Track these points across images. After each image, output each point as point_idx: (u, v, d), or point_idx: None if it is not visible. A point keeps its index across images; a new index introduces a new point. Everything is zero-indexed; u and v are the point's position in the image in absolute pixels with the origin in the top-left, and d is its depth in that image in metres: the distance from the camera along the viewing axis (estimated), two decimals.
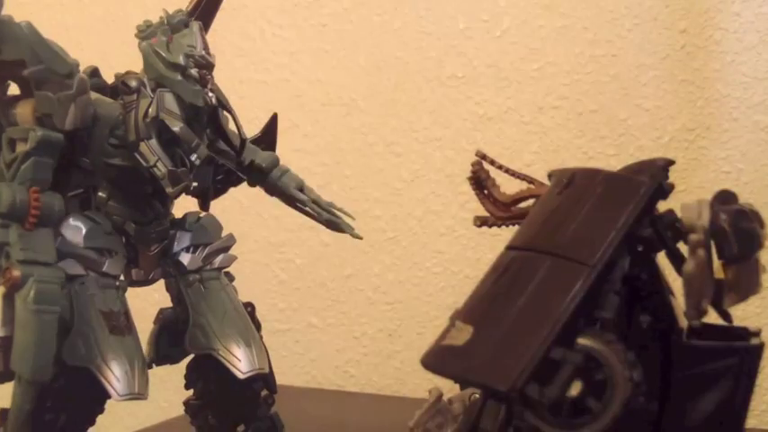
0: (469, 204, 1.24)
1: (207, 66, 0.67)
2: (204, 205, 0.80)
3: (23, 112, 0.63)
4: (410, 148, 1.27)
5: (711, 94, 1.11)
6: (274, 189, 0.78)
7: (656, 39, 1.13)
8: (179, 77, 0.66)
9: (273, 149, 0.82)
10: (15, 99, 0.65)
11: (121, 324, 0.66)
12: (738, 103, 1.10)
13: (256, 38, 1.35)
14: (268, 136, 0.83)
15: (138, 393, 0.65)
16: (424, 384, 1.31)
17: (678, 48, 1.12)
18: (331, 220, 0.79)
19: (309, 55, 1.33)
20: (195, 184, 0.71)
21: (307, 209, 0.79)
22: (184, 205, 0.78)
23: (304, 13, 1.32)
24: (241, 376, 0.71)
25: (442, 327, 1.19)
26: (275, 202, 0.82)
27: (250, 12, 1.36)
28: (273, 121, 0.83)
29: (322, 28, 1.32)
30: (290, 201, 0.79)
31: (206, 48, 0.68)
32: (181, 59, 0.66)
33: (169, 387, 1.18)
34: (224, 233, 0.78)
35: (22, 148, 0.62)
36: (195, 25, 0.68)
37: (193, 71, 0.66)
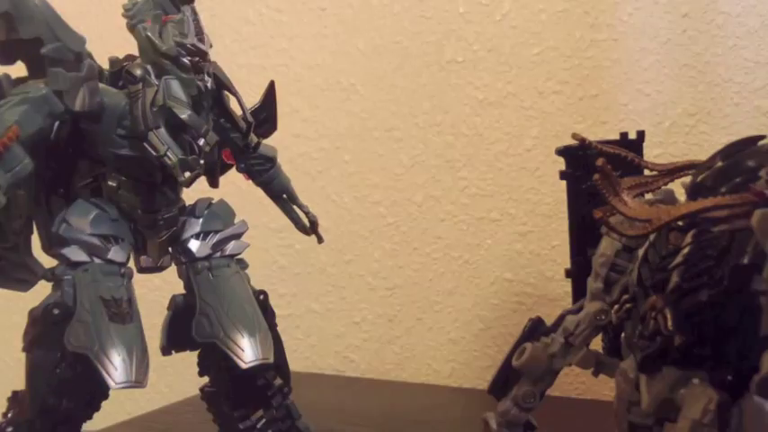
0: (469, 190, 1.24)
1: (199, 53, 0.66)
2: (213, 182, 0.80)
3: None
4: (410, 133, 1.27)
5: (713, 79, 1.10)
6: (266, 186, 0.82)
7: (658, 23, 1.12)
8: (171, 66, 0.66)
9: (274, 118, 0.83)
10: (23, 80, 0.64)
11: (123, 311, 0.66)
12: (740, 87, 1.09)
13: (255, 22, 1.34)
14: (267, 105, 0.83)
15: (135, 382, 0.64)
16: (423, 369, 1.32)
17: (680, 32, 1.11)
18: (306, 228, 0.85)
19: (308, 39, 1.32)
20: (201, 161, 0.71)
21: (289, 212, 0.84)
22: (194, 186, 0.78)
23: None
24: (244, 366, 0.70)
25: (442, 312, 1.20)
26: None
27: None
28: (271, 89, 0.83)
29: (321, 12, 1.31)
30: (275, 200, 0.84)
31: (199, 33, 0.67)
32: (172, 49, 0.66)
33: (170, 373, 1.18)
34: (236, 219, 0.78)
35: None
36: (188, 10, 0.67)
37: (185, 60, 0.66)
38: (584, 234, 0.82)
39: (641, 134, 0.81)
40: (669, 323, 0.57)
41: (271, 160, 0.80)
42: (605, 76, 1.15)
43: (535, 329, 0.81)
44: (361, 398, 1.17)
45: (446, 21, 1.23)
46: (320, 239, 0.85)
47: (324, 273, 1.34)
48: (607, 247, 0.76)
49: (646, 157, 0.75)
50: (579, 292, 0.83)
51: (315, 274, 1.34)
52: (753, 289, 0.50)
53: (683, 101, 1.12)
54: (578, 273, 0.83)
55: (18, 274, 0.69)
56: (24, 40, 0.61)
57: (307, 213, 0.83)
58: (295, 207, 0.83)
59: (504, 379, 0.81)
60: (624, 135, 0.81)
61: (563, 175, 0.83)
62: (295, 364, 1.33)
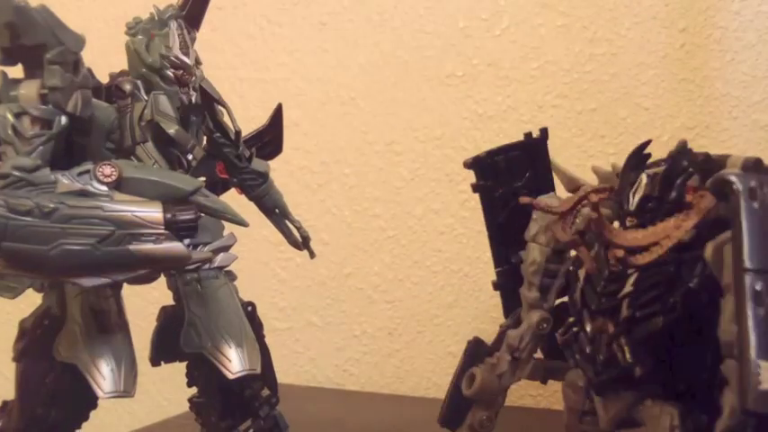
0: (469, 203, 1.24)
1: (182, 66, 0.68)
2: None
3: (27, 93, 0.63)
4: (410, 146, 1.27)
5: (711, 93, 1.11)
6: (258, 200, 0.83)
7: (656, 37, 1.13)
8: (156, 78, 0.67)
9: (280, 139, 0.85)
10: (17, 81, 0.64)
11: (112, 322, 0.67)
12: (738, 101, 1.10)
13: (256, 36, 1.35)
14: (274, 126, 0.85)
15: (123, 391, 0.65)
16: (423, 383, 1.32)
17: (678, 46, 1.12)
18: (297, 243, 0.85)
19: (309, 54, 1.33)
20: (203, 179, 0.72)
21: (281, 227, 0.85)
22: None
23: (304, 11, 1.32)
24: (231, 376, 0.71)
25: (442, 326, 1.18)
26: None
27: (250, 10, 1.36)
28: (279, 112, 0.85)
29: (322, 27, 1.32)
30: (267, 215, 0.85)
31: (184, 47, 0.68)
32: (156, 61, 0.67)
33: (170, 385, 1.18)
34: (225, 232, 0.78)
35: (35, 125, 0.61)
36: (173, 24, 0.68)
37: (169, 72, 0.67)
38: (504, 243, 0.81)
39: (544, 131, 0.81)
40: (628, 355, 0.59)
41: (263, 175, 0.81)
42: (604, 90, 1.16)
43: (477, 351, 0.80)
44: (360, 411, 1.17)
45: (446, 35, 1.24)
46: (312, 254, 0.86)
47: (324, 286, 1.34)
48: (537, 254, 0.76)
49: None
50: (510, 303, 0.82)
51: (314, 287, 1.34)
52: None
53: (681, 115, 1.12)
54: (506, 283, 0.82)
55: (7, 281, 0.69)
56: (28, 46, 0.62)
57: (299, 228, 0.84)
58: (287, 222, 0.84)
59: (456, 408, 0.79)
60: (528, 135, 0.82)
61: (475, 188, 0.83)
62: (294, 377, 1.33)
